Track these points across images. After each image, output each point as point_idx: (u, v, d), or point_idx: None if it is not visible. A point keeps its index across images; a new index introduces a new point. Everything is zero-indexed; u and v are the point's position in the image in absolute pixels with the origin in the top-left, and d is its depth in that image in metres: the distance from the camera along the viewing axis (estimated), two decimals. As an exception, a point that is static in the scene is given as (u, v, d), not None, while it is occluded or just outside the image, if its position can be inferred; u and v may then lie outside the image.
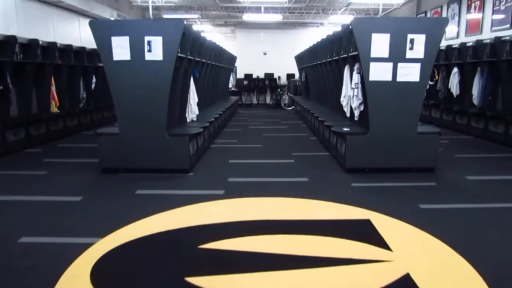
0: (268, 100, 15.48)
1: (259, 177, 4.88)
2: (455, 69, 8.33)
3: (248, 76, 15.46)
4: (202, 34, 8.25)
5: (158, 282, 2.46)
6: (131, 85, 4.81)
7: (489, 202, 3.89)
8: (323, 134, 6.87)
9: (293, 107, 13.80)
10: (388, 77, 4.75)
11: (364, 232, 3.18)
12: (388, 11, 12.35)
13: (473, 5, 9.54)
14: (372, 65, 4.75)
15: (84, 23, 9.33)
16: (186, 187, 4.51)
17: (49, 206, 3.89)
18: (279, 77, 15.52)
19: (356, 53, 5.15)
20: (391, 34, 4.65)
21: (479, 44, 7.54)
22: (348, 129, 5.24)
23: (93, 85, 9.12)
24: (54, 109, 7.73)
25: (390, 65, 4.73)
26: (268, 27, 15.07)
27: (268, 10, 13.01)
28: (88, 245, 2.98)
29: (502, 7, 8.35)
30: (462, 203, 3.88)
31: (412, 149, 4.86)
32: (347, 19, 12.33)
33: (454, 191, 4.27)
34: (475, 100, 7.71)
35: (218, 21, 14.88)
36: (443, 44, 8.43)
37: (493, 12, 8.68)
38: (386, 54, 4.71)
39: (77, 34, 9.50)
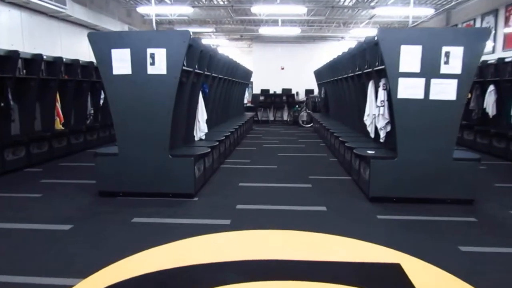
0: (285, 117, 15.15)
1: (271, 204, 4.46)
2: (491, 87, 7.78)
3: (264, 92, 15.20)
4: (217, 49, 8.04)
5: None
6: (131, 101, 4.53)
7: (544, 243, 3.35)
8: (344, 156, 6.42)
9: (311, 124, 13.41)
10: (420, 95, 4.31)
11: (393, 280, 2.70)
12: (415, 24, 11.92)
13: (511, 17, 9.02)
14: (401, 81, 4.32)
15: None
16: (188, 215, 4.13)
17: (34, 236, 3.57)
18: (297, 93, 15.21)
19: (382, 67, 4.75)
20: (423, 46, 4.23)
21: (518, 58, 7.01)
22: (372, 152, 4.79)
23: (101, 101, 8.96)
24: (58, 126, 7.56)
25: (421, 81, 4.29)
26: (285, 41, 14.86)
27: (285, 23, 12.80)
28: (66, 287, 2.61)
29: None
30: (510, 246, 3.35)
31: (447, 178, 4.36)
32: (370, 32, 11.97)
33: (499, 230, 3.74)
34: (515, 121, 7.13)
35: (233, 35, 14.76)
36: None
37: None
38: (417, 69, 4.28)
39: (86, 49, 9.42)
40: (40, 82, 6.91)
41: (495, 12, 9.60)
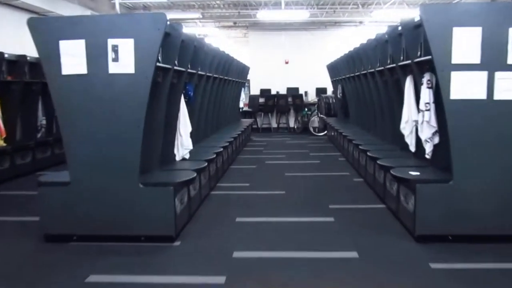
0: (292, 123, 14.73)
1: (281, 250, 3.97)
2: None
3: (265, 92, 14.79)
4: (205, 39, 7.58)
5: None
6: (87, 110, 4.05)
7: None
8: (373, 176, 5.94)
9: (325, 132, 13.00)
10: (481, 94, 3.85)
11: None
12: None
13: None
14: (455, 75, 3.87)
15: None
16: (166, 269, 3.62)
17: None
18: (305, 93, 14.83)
19: (426, 58, 4.29)
20: (484, 27, 3.78)
21: None
22: (417, 174, 4.31)
23: (56, 108, 8.50)
24: None
25: (483, 75, 3.84)
26: (290, 27, 14.51)
27: (290, 5, 12.43)
28: None
29: None
30: None
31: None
32: (397, 15, 11.58)
33: None
34: None
35: (225, 21, 14.41)
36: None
37: None
38: (476, 59, 3.83)
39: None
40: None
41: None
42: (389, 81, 5.97)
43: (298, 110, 14.49)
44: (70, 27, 3.99)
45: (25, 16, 8.82)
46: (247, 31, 15.32)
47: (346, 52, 9.63)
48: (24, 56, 7.60)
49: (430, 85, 4.51)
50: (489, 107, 3.86)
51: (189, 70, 5.59)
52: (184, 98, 5.63)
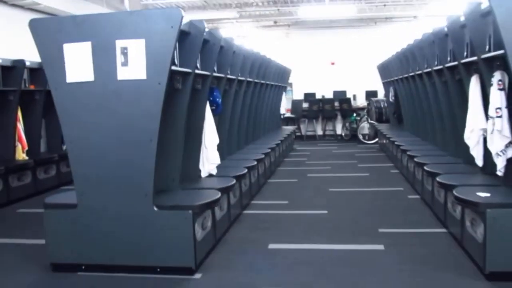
0: (338, 130, 14.17)
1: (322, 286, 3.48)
2: None
3: (309, 97, 14.34)
4: (243, 40, 7.22)
5: None
6: (94, 123, 3.75)
7: None
8: (432, 193, 5.32)
9: (376, 140, 12.34)
10: None
11: None
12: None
13: None
14: (536, 74, 3.27)
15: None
16: (181, 309, 3.23)
17: None
18: (354, 97, 14.23)
19: (497, 53, 3.70)
20: None
21: None
22: (487, 195, 3.70)
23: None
24: (20, 155, 7.05)
25: None
26: (336, 25, 13.95)
27: (335, 0, 11.89)
28: None
29: None
30: None
31: None
32: (457, 6, 10.78)
33: None
34: None
35: (264, 21, 14.02)
36: None
37: None
38: None
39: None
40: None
41: None
42: (450, 82, 5.35)
43: (345, 116, 13.92)
44: (74, 28, 3.70)
45: (12, 12, 8.76)
46: (288, 31, 14.88)
47: (399, 50, 9.03)
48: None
49: (502, 87, 3.92)
50: None
51: (215, 74, 5.22)
52: (211, 106, 5.27)
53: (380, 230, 4.81)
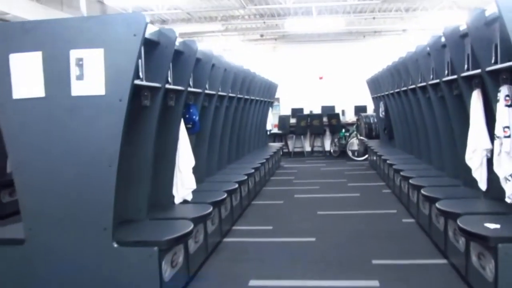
0: (327, 147, 13.76)
1: None
2: None
3: (296, 112, 13.95)
4: (228, 54, 6.76)
5: None
6: (45, 145, 3.25)
7: None
8: (429, 219, 4.87)
9: (366, 156, 11.94)
10: None
11: None
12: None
13: None
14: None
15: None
16: None
17: None
18: (343, 112, 13.89)
19: (505, 65, 3.28)
20: None
21: None
22: (497, 227, 3.25)
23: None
24: None
25: None
26: (324, 39, 13.67)
27: (323, 13, 11.56)
28: None
29: None
30: None
31: None
32: (449, 19, 10.50)
33: None
34: None
35: (251, 34, 13.68)
36: None
37: None
38: None
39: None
40: None
41: None
42: (447, 97, 4.92)
43: (334, 132, 13.52)
44: (22, 36, 3.21)
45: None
46: (275, 44, 14.54)
47: (389, 63, 8.67)
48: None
49: (510, 103, 3.50)
50: None
51: (191, 89, 4.75)
52: (187, 124, 4.80)
53: (374, 261, 4.33)
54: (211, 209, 4.26)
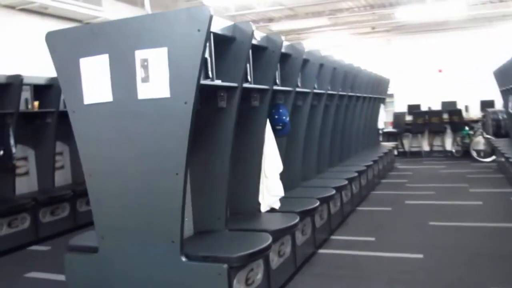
0: (448, 146, 12.47)
1: None
2: None
3: (413, 108, 12.89)
4: (337, 49, 6.28)
5: None
6: (114, 153, 3.10)
7: None
8: None
9: (493, 157, 10.56)
10: None
11: None
12: None
13: None
14: None
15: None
16: None
17: None
18: (466, 108, 12.48)
19: None
20: None
21: None
22: None
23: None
24: None
25: None
26: (443, 28, 12.36)
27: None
28: None
29: None
30: None
31: None
32: None
33: None
34: None
35: (360, 27, 12.88)
36: None
37: None
38: None
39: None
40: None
41: None
42: None
43: (456, 130, 12.20)
44: (91, 39, 3.09)
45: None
46: (388, 36, 13.55)
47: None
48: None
49: None
50: None
51: (277, 88, 4.36)
52: (275, 125, 4.44)
53: (497, 290, 3.57)
54: (297, 220, 3.81)
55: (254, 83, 3.90)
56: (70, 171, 6.78)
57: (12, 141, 5.50)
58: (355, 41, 13.67)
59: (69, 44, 3.15)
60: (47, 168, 6.20)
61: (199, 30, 2.76)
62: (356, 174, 6.31)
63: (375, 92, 9.59)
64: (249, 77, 3.79)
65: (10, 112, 5.50)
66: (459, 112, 12.29)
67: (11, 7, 7.00)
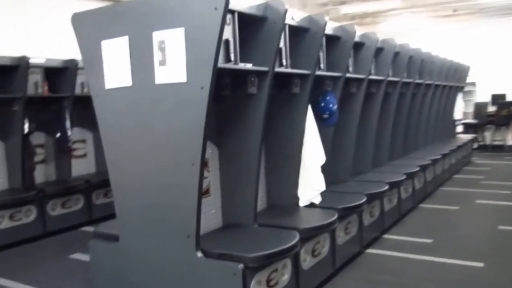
0: (536, 141, 11.30)
1: None
2: None
3: (497, 98, 11.80)
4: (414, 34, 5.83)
5: None
6: (132, 141, 2.95)
7: None
8: None
9: None
10: None
11: None
12: None
13: None
14: None
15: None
16: None
17: None
18: (561, 98, 11.18)
19: None
20: None
21: None
22: None
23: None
24: None
25: None
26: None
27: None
28: None
29: None
30: None
31: None
32: None
33: None
34: None
35: (441, 10, 11.92)
36: None
37: None
38: None
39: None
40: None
41: None
42: None
43: (547, 122, 11.02)
44: (113, 20, 2.96)
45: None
46: (470, 20, 12.44)
47: None
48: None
49: None
50: None
51: (320, 73, 4.00)
52: (322, 114, 4.11)
53: None
54: (334, 217, 3.48)
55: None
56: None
57: (68, 124, 5.63)
58: (434, 24, 12.71)
59: (92, 26, 3.04)
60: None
61: (216, 9, 2.50)
62: (417, 169, 5.75)
63: (450, 79, 8.80)
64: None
65: (66, 96, 5.63)
66: (551, 102, 11.07)
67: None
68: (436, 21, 12.61)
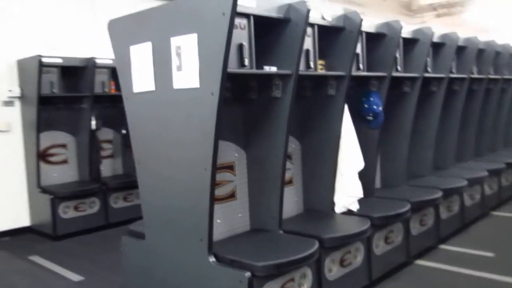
0: None
1: None
2: None
3: None
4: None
5: None
6: (155, 144, 3.02)
7: None
8: None
9: None
10: None
11: None
12: None
13: None
14: None
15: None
16: None
17: None
18: None
19: None
20: None
21: None
22: None
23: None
24: None
25: None
26: None
27: None
28: None
29: None
30: None
31: None
32: None
33: None
34: None
35: None
36: None
37: None
38: None
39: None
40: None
41: None
42: None
43: None
44: (139, 26, 3.03)
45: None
46: None
47: None
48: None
49: None
50: None
51: (358, 73, 3.79)
52: (366, 115, 3.92)
53: None
54: (366, 227, 3.29)
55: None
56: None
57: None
58: None
59: (122, 32, 3.15)
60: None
61: (223, 14, 2.46)
62: (486, 174, 5.25)
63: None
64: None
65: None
66: None
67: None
68: None
